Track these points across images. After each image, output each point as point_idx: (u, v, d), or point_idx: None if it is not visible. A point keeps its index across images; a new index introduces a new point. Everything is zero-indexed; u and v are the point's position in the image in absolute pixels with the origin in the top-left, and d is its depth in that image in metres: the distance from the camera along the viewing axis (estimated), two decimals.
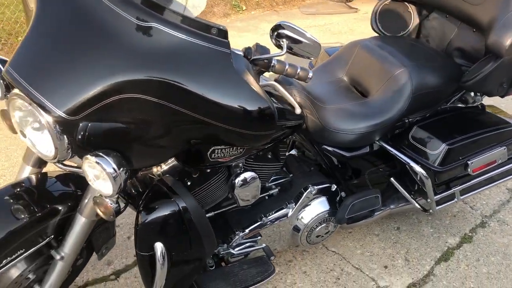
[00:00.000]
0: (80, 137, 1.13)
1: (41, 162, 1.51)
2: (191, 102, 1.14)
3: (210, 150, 1.38)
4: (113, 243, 1.73)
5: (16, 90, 1.14)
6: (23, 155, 1.51)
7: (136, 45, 1.11)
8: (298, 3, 6.42)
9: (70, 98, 1.10)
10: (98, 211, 1.29)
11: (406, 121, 1.88)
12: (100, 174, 1.16)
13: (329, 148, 1.77)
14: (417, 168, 1.75)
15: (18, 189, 1.42)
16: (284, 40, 1.27)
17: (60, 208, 1.42)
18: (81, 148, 1.16)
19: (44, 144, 1.18)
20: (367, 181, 1.93)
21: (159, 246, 1.35)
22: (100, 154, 1.14)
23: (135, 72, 1.10)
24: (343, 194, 1.90)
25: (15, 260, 1.37)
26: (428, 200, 1.86)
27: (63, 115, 1.09)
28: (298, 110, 1.38)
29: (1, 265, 1.34)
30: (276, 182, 1.84)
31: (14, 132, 1.39)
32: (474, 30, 1.90)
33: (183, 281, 1.50)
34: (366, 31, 4.88)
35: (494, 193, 2.55)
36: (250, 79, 1.18)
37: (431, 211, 1.92)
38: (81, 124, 1.12)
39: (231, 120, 1.19)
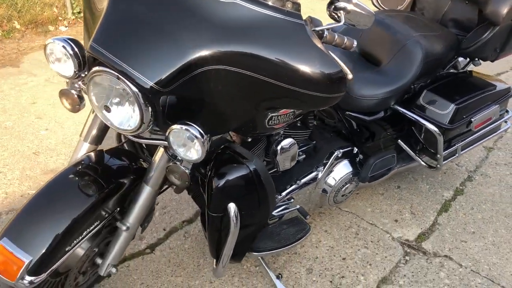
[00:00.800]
0: (167, 108, 1.21)
1: (97, 140, 1.56)
2: (271, 71, 1.24)
3: (268, 117, 1.49)
4: (151, 217, 1.81)
5: (97, 67, 1.19)
6: (81, 132, 1.55)
7: (219, 20, 1.19)
8: None
9: (161, 71, 1.16)
10: (173, 179, 1.37)
11: (412, 86, 2.08)
12: (187, 142, 1.25)
13: (353, 114, 1.94)
14: (431, 126, 1.95)
15: (81, 168, 1.45)
16: (341, 11, 1.39)
17: (124, 181, 1.48)
18: (167, 119, 1.24)
19: (125, 118, 1.25)
20: (380, 143, 2.12)
21: (232, 207, 1.46)
22: (187, 122, 1.23)
23: (218, 45, 1.19)
24: (361, 156, 2.08)
25: (86, 237, 1.40)
26: (438, 156, 2.08)
27: (156, 87, 1.16)
28: (350, 76, 1.52)
29: (74, 243, 1.36)
30: (302, 149, 1.98)
31: (74, 111, 1.44)
32: (467, 2, 2.12)
33: (246, 241, 1.62)
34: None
35: (473, 151, 2.84)
36: (321, 46, 1.30)
37: (438, 166, 2.14)
38: (169, 96, 1.20)
39: (310, 85, 1.29)
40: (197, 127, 1.23)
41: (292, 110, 1.54)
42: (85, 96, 1.37)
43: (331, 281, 1.93)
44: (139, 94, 1.16)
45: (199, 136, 1.22)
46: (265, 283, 1.90)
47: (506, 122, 2.36)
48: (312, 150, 2.01)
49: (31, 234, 1.31)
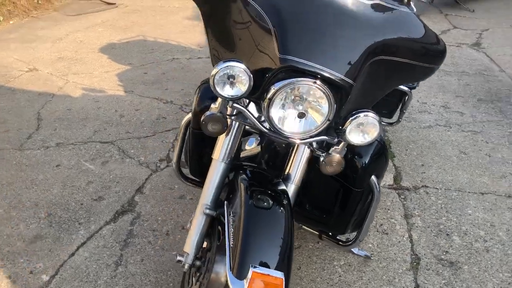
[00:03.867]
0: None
1: (233, 159, 1.54)
2: (410, 53, 1.48)
3: None
4: None
5: (294, 79, 1.24)
6: (213, 154, 1.53)
7: (372, 18, 1.39)
8: (49, 6, 5.98)
9: (348, 67, 1.27)
10: (329, 169, 1.48)
11: None
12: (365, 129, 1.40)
13: None
14: (405, 88, 2.47)
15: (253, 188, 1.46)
16: None
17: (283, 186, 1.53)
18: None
19: (309, 122, 1.33)
20: None
21: (375, 179, 1.66)
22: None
23: (374, 39, 1.38)
24: None
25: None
26: (404, 111, 2.62)
27: (350, 81, 1.27)
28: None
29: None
30: None
31: (220, 134, 1.43)
32: None
33: None
34: (151, 21, 5.29)
35: None
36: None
37: (400, 120, 2.69)
38: (352, 89, 1.34)
39: (429, 58, 1.58)
40: (373, 113, 1.39)
41: None
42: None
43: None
44: (331, 93, 1.25)
45: (377, 121, 1.38)
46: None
47: None
48: None
49: (265, 254, 1.29)
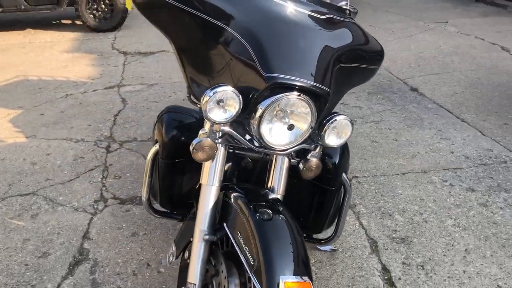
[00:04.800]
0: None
1: (222, 180, 1.55)
2: (364, 59, 1.64)
3: None
4: None
5: (282, 94, 1.32)
6: (201, 179, 1.52)
7: (329, 31, 1.53)
8: None
9: (324, 76, 1.40)
10: (309, 174, 1.58)
11: None
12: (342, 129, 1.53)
13: None
14: None
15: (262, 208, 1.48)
16: None
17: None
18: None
19: (285, 134, 1.42)
20: None
21: (345, 176, 1.80)
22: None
23: (336, 49, 1.51)
24: None
25: None
26: None
27: (328, 90, 1.40)
28: None
29: None
30: None
31: (210, 158, 1.45)
32: None
33: None
34: (25, 59, 5.11)
35: None
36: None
37: None
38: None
39: (374, 61, 1.74)
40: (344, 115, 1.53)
41: None
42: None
43: None
44: (312, 103, 1.36)
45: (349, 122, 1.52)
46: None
47: None
48: None
49: (288, 263, 1.33)
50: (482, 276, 2.10)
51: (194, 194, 1.68)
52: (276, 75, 1.33)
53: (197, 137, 1.72)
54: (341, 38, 1.55)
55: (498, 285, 2.05)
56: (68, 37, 6.09)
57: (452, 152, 3.20)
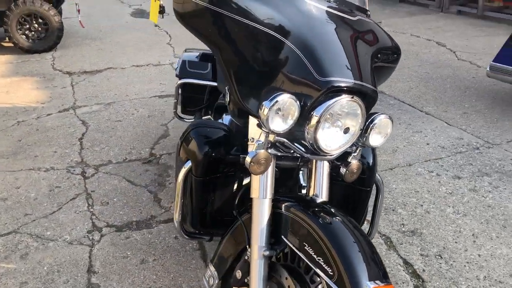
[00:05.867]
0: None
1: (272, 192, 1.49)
2: (386, 57, 1.66)
3: None
4: None
5: (336, 98, 1.29)
6: (252, 193, 1.46)
7: (363, 32, 1.54)
8: None
9: (370, 77, 1.40)
10: (352, 176, 1.58)
11: None
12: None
13: None
14: None
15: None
16: None
17: None
18: None
19: (339, 138, 1.40)
20: None
21: (378, 176, 1.80)
22: None
23: (372, 49, 1.52)
24: None
25: None
26: None
27: (376, 90, 1.41)
28: None
29: None
30: None
31: (266, 170, 1.40)
32: None
33: None
34: None
35: None
36: None
37: None
38: None
39: (396, 60, 1.75)
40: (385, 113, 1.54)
41: None
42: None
43: None
44: (362, 103, 1.33)
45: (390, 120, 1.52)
46: None
47: None
48: None
49: (367, 268, 1.30)
50: (496, 258, 2.19)
51: (237, 210, 1.60)
52: (331, 78, 1.30)
53: (225, 149, 1.65)
54: (372, 38, 1.56)
55: None
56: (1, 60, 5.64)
57: (428, 144, 3.34)
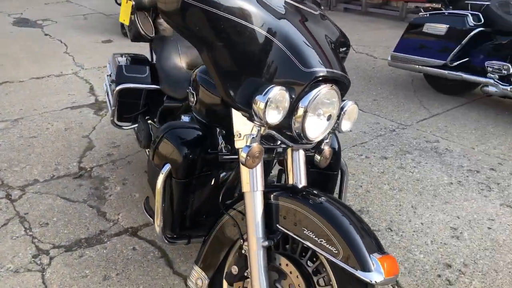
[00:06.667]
0: None
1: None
2: (342, 46, 1.80)
3: None
4: None
5: (322, 87, 1.38)
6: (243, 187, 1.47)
7: (326, 25, 1.65)
8: None
9: (342, 66, 1.51)
10: (324, 162, 1.68)
11: None
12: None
13: None
14: None
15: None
16: None
17: None
18: None
19: (322, 126, 1.49)
20: None
21: (343, 160, 1.92)
22: None
23: (337, 40, 1.66)
24: None
25: None
26: None
27: (348, 77, 1.53)
28: None
29: None
30: None
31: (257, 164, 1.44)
32: None
33: None
34: None
35: None
36: None
37: None
38: None
39: (348, 49, 1.90)
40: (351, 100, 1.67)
41: None
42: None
43: None
44: (339, 91, 1.45)
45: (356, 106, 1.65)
46: None
47: None
48: None
49: (365, 240, 1.38)
50: (436, 223, 2.44)
51: (223, 206, 1.60)
52: (315, 69, 1.36)
53: (202, 149, 1.64)
54: (333, 31, 1.66)
55: (450, 227, 2.42)
56: None
57: (350, 131, 3.57)
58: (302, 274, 1.45)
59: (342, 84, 1.47)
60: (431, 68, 3.97)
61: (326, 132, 1.49)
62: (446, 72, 3.89)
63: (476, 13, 3.75)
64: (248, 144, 1.37)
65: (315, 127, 1.44)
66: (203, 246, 1.68)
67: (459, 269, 2.13)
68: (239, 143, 1.48)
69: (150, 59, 2.74)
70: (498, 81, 3.59)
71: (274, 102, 1.32)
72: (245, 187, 1.48)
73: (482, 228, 2.40)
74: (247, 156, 1.34)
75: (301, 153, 1.61)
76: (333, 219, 1.37)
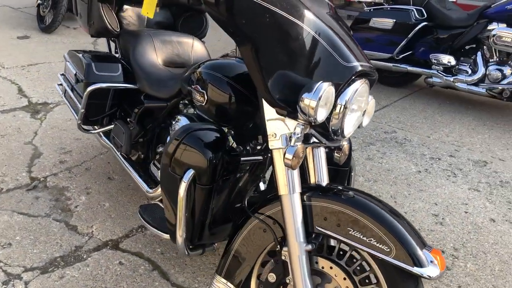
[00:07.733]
0: None
1: None
2: None
3: None
4: None
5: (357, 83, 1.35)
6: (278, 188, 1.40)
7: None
8: None
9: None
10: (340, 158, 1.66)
11: None
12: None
13: None
14: None
15: None
16: None
17: None
18: None
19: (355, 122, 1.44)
20: None
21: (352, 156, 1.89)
22: None
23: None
24: None
25: None
26: None
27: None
28: None
29: None
30: None
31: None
32: None
33: None
34: None
35: None
36: None
37: None
38: None
39: None
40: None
41: None
42: None
43: None
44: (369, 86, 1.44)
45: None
46: None
47: None
48: None
49: (411, 235, 1.36)
50: (418, 211, 2.52)
51: (250, 211, 1.50)
52: (354, 64, 1.33)
53: (225, 151, 1.53)
54: (344, 22, 1.63)
55: (432, 214, 2.51)
56: None
57: None
58: (349, 276, 1.41)
59: (370, 78, 1.45)
60: (377, 62, 4.11)
61: (355, 127, 1.46)
62: (391, 64, 4.04)
63: (419, 8, 3.93)
64: (292, 144, 1.29)
65: (351, 123, 1.40)
66: (226, 254, 1.56)
67: (452, 254, 2.21)
68: (275, 144, 1.39)
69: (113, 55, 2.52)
70: (442, 73, 3.81)
71: (323, 100, 1.25)
72: (282, 189, 1.40)
73: (460, 213, 2.52)
74: (293, 157, 1.26)
75: (322, 150, 1.56)
76: (380, 217, 1.33)
